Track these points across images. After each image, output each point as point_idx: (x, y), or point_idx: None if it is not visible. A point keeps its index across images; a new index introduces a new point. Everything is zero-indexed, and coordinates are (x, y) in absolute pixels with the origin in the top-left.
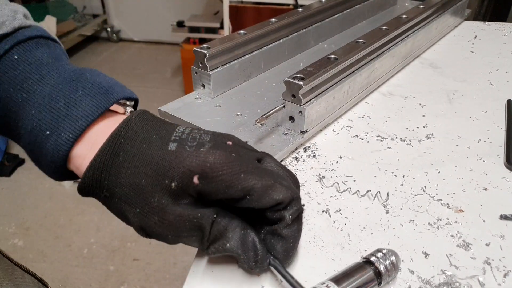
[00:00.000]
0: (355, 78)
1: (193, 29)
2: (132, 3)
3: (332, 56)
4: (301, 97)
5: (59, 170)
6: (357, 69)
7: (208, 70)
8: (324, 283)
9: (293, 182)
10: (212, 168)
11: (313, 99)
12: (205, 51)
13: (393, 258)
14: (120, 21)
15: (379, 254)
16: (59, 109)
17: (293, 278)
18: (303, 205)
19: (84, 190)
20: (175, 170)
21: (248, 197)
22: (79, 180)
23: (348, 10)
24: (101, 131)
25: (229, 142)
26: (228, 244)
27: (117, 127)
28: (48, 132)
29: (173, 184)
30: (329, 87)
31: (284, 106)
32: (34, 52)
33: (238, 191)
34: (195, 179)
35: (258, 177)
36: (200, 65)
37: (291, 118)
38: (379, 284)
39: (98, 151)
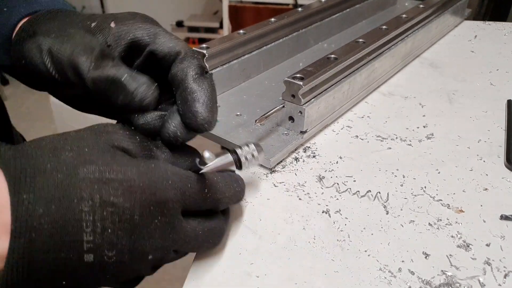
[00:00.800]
0: (355, 78)
1: (192, 29)
2: (131, 3)
3: (332, 56)
4: (300, 97)
5: (4, 44)
6: (357, 69)
7: (207, 71)
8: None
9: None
10: (127, 17)
11: (313, 99)
12: (204, 51)
13: (255, 152)
14: None
15: (245, 146)
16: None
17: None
18: (210, 73)
19: (17, 35)
20: (98, 17)
21: (152, 40)
22: None
23: (348, 10)
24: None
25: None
26: (116, 68)
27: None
28: (5, 9)
29: (92, 24)
30: (329, 87)
31: (283, 106)
32: None
33: (145, 32)
34: (112, 23)
35: (163, 29)
36: None
37: (291, 118)
38: (240, 167)
39: (43, 12)
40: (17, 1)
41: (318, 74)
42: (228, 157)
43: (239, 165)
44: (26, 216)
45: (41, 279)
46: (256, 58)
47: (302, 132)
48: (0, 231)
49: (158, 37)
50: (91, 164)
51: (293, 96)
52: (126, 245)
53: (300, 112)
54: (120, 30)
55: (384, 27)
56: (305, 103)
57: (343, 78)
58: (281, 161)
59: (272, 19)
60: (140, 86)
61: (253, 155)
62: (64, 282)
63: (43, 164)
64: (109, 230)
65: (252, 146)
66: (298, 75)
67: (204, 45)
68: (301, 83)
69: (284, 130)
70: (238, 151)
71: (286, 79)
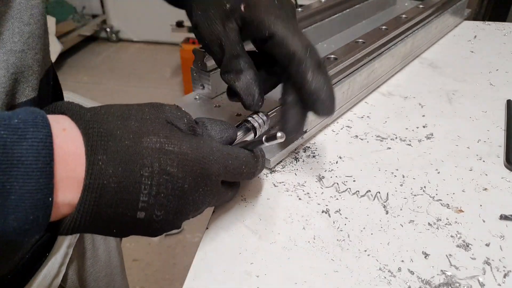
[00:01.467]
0: (354, 78)
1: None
2: (132, 3)
3: (332, 56)
4: None
5: None
6: (356, 69)
7: (208, 70)
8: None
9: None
10: (256, 3)
11: None
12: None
13: (264, 117)
14: (119, 21)
15: (255, 115)
16: None
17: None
18: (325, 62)
19: None
20: None
21: (270, 40)
22: None
23: (347, 10)
24: None
25: None
26: (236, 83)
27: None
28: None
29: (227, 5)
30: None
31: None
32: None
33: (264, 29)
34: (242, 7)
35: (283, 24)
36: (200, 65)
37: None
38: (255, 134)
39: None
40: None
41: None
42: (245, 126)
43: (255, 132)
44: (99, 175)
45: (99, 226)
46: None
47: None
48: (73, 183)
49: (275, 38)
50: (153, 135)
51: None
52: (173, 208)
53: None
54: (248, 19)
55: (384, 27)
56: None
57: (343, 78)
58: (281, 161)
59: None
60: (252, 101)
61: (263, 121)
62: (114, 230)
63: (114, 130)
64: (162, 195)
65: (261, 114)
66: None
67: None
68: None
69: None
70: (250, 119)
71: None
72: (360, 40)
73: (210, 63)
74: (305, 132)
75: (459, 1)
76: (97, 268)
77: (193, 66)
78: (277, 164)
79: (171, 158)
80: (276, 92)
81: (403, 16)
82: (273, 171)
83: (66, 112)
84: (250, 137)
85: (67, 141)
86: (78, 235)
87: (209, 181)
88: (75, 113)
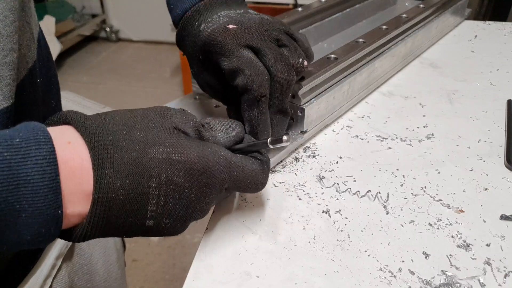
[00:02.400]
0: (355, 78)
1: None
2: (131, 3)
3: (332, 55)
4: (301, 97)
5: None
6: (357, 68)
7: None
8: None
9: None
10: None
11: (313, 99)
12: None
13: None
14: (119, 21)
15: None
16: None
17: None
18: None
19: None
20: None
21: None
22: None
23: (348, 9)
24: None
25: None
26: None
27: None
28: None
29: (200, 56)
30: (329, 87)
31: None
32: None
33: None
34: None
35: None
36: None
37: (291, 118)
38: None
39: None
40: None
41: (318, 74)
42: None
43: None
44: (107, 189)
45: (110, 233)
46: None
47: (302, 132)
48: (81, 196)
49: (224, 63)
50: (159, 145)
51: (293, 96)
52: (181, 216)
53: (300, 112)
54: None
55: (384, 27)
56: (305, 103)
57: (343, 78)
58: (281, 161)
59: None
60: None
61: None
62: (124, 235)
63: (119, 141)
64: (170, 204)
65: None
66: None
67: None
68: (301, 83)
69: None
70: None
71: None
72: (361, 40)
73: None
74: (305, 132)
75: (460, 1)
76: (95, 283)
77: None
78: (277, 164)
79: (178, 168)
80: None
81: (404, 15)
82: (273, 171)
83: (71, 122)
84: None
85: (73, 155)
86: (68, 246)
87: (214, 190)
88: (80, 124)
